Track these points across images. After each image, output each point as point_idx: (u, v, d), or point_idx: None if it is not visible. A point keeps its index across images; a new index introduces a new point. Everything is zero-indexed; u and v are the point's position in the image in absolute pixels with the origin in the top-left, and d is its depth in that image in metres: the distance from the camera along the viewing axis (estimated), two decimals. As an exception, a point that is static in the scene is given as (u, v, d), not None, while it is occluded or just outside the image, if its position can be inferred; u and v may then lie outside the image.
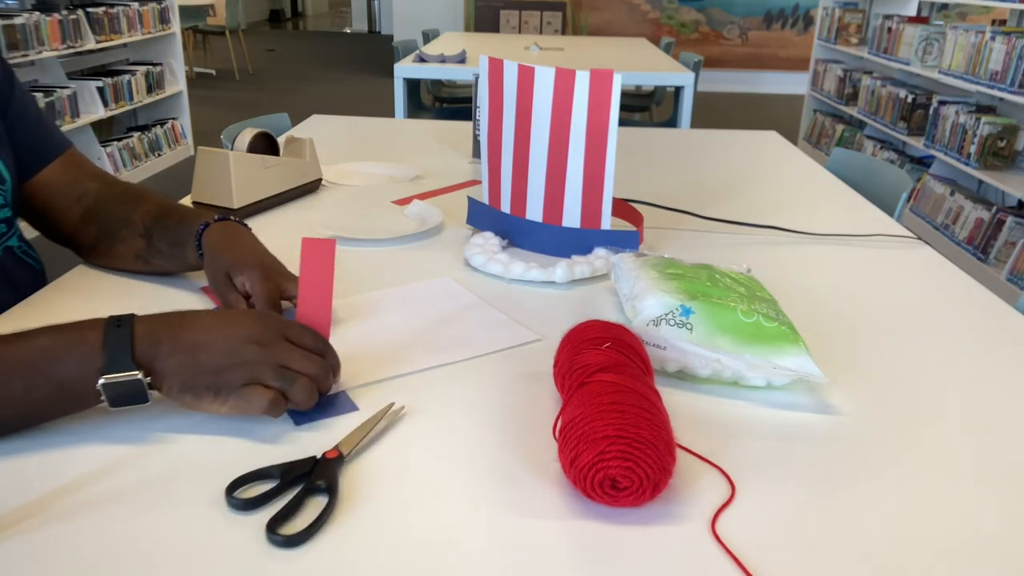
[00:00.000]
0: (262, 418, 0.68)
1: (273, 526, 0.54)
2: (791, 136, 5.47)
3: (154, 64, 4.51)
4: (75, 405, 0.64)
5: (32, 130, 0.96)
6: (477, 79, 1.28)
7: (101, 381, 0.61)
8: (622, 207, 1.16)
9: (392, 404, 0.70)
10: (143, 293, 0.93)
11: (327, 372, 0.68)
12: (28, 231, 0.99)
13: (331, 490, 0.58)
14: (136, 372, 0.62)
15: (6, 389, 0.61)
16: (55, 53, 3.58)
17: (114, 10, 4.02)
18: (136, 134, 4.29)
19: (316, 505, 0.58)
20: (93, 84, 3.89)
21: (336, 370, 0.70)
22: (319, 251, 0.70)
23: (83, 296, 0.91)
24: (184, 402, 0.65)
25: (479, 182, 1.42)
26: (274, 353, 0.65)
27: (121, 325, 0.63)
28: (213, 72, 8.25)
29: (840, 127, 4.83)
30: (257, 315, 0.69)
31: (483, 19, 7.55)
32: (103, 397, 0.62)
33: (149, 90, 4.40)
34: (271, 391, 0.64)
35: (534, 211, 1.08)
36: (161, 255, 0.93)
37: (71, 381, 0.62)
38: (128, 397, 0.63)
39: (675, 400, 0.73)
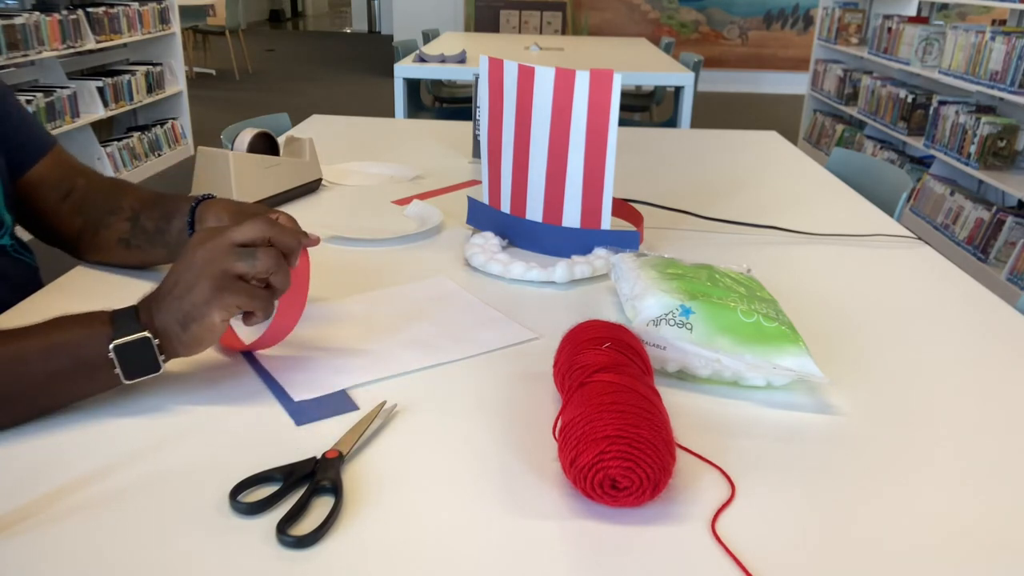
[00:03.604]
0: (261, 418, 0.68)
1: (283, 527, 0.55)
2: (791, 136, 5.47)
3: (154, 64, 4.50)
4: (92, 379, 0.67)
5: (17, 129, 0.96)
6: (477, 79, 1.28)
7: (111, 345, 0.65)
8: (622, 207, 1.16)
9: (384, 402, 0.70)
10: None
11: (273, 224, 0.70)
12: (22, 232, 0.99)
13: (336, 490, 0.58)
14: (144, 332, 0.66)
15: (29, 376, 0.65)
16: (55, 53, 3.58)
17: (114, 10, 4.02)
18: (136, 134, 4.29)
19: (321, 506, 0.58)
20: (93, 84, 3.89)
21: (290, 232, 0.71)
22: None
23: (82, 296, 0.91)
24: (193, 336, 0.68)
25: (479, 182, 1.42)
26: (220, 239, 0.69)
27: (135, 307, 0.69)
28: (213, 72, 8.25)
29: (840, 127, 4.83)
30: (200, 234, 0.71)
31: (483, 19, 7.55)
32: (117, 368, 0.65)
33: (149, 90, 4.40)
34: (244, 284, 0.68)
35: (534, 211, 1.08)
36: (144, 234, 0.96)
37: (85, 353, 0.65)
38: (140, 363, 0.66)
39: (675, 400, 0.73)
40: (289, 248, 0.71)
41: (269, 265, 0.68)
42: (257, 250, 0.68)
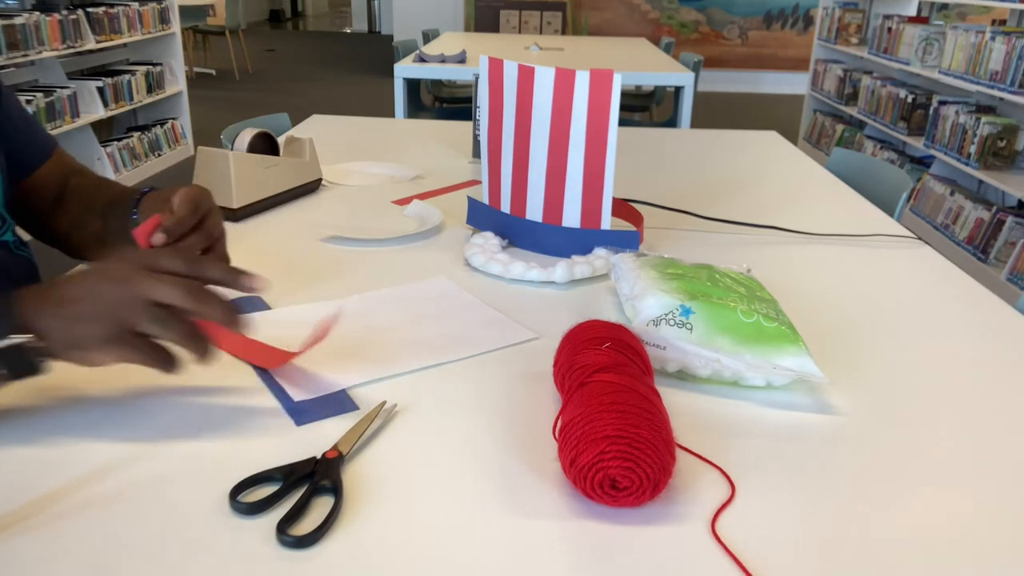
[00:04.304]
0: (261, 418, 0.68)
1: (283, 527, 0.55)
2: (791, 136, 5.47)
3: (154, 64, 4.50)
4: None
5: (18, 130, 0.96)
6: (477, 79, 1.28)
7: None
8: (622, 207, 1.16)
9: (384, 402, 0.70)
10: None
11: (200, 293, 0.62)
12: (22, 232, 1.00)
13: (336, 490, 0.58)
14: (14, 337, 0.60)
15: None
16: (55, 53, 3.58)
17: (114, 10, 4.02)
18: (136, 134, 4.29)
19: (321, 505, 0.58)
20: (93, 84, 3.89)
21: (216, 305, 0.63)
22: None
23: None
24: (75, 358, 0.63)
25: (479, 182, 1.42)
26: (135, 287, 0.61)
27: (11, 299, 0.62)
28: (213, 72, 8.25)
29: (840, 127, 4.83)
30: (120, 257, 0.65)
31: (483, 19, 7.55)
32: None
33: (149, 90, 4.40)
34: (146, 341, 0.62)
35: (534, 211, 1.08)
36: (113, 231, 0.92)
37: None
38: (17, 366, 0.62)
39: (675, 400, 0.73)
40: (212, 318, 0.63)
41: (179, 338, 0.62)
42: (171, 319, 0.62)
